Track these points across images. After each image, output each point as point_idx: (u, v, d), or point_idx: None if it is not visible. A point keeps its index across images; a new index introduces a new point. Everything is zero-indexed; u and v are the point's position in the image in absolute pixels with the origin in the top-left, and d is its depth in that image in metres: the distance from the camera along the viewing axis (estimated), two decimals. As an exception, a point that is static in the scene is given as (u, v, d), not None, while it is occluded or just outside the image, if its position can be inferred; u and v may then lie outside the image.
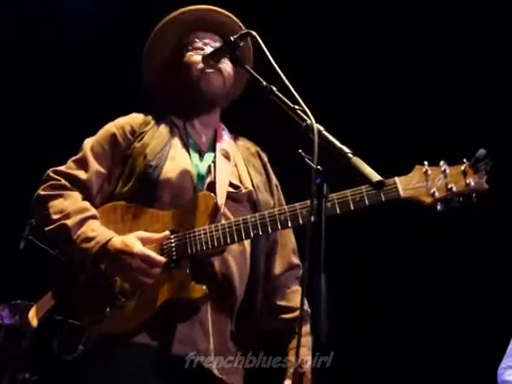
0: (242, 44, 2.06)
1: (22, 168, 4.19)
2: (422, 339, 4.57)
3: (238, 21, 2.42)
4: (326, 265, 1.53)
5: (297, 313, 2.32)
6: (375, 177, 1.61)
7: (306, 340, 2.15)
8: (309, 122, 1.74)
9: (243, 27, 2.37)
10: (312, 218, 1.61)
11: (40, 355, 2.30)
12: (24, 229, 3.68)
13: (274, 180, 2.47)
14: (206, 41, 2.37)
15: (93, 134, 2.36)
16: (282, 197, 2.46)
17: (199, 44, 2.36)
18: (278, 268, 2.39)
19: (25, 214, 2.28)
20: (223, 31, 2.38)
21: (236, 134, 2.49)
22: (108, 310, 2.12)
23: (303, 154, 1.66)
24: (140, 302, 2.13)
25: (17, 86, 4.63)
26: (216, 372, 2.15)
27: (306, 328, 2.18)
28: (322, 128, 1.72)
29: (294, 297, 2.37)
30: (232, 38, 2.05)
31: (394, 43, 4.58)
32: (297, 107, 1.81)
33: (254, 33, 1.98)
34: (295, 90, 1.82)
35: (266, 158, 2.50)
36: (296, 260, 2.43)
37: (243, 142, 2.49)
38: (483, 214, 3.45)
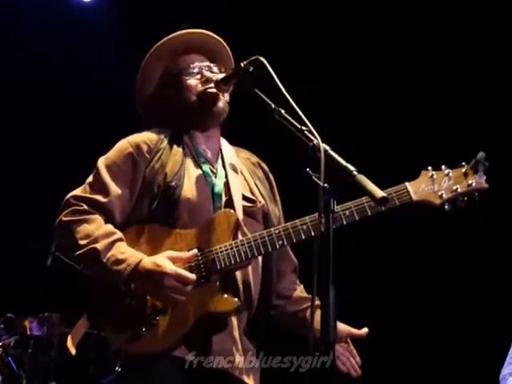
0: (251, 69, 2.14)
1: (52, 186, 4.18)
2: (421, 338, 4.79)
3: (225, 45, 2.53)
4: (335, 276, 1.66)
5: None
6: (379, 193, 1.72)
7: None
8: (315, 141, 1.84)
9: (230, 52, 2.53)
10: (321, 231, 1.72)
11: (66, 366, 2.39)
12: (51, 245, 3.83)
13: (276, 189, 2.57)
14: (199, 64, 2.45)
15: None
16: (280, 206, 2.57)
17: (194, 70, 2.44)
18: (287, 266, 2.52)
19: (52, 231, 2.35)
20: (213, 54, 2.50)
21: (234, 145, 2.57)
22: (144, 329, 2.20)
23: (310, 172, 1.76)
24: (173, 318, 2.21)
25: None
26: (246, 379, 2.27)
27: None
28: (328, 147, 1.82)
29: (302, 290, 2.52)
30: (242, 64, 2.15)
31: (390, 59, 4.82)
32: (304, 128, 1.90)
33: (262, 58, 2.08)
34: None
35: (267, 168, 2.59)
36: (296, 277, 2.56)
37: (244, 153, 2.57)
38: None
